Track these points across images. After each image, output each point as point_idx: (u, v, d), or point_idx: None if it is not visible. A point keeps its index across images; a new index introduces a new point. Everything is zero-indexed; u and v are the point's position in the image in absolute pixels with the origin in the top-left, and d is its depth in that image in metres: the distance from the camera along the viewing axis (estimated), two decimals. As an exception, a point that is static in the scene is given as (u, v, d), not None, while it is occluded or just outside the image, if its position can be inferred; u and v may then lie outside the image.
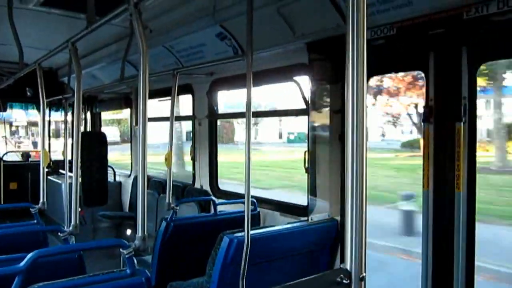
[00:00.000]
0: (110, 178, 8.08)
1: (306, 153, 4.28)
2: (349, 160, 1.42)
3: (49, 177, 8.05)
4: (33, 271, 2.08)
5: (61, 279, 2.20)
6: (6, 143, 10.25)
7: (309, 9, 3.65)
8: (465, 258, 3.03)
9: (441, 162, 3.18)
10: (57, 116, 9.88)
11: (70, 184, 3.32)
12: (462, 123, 3.00)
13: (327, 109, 4.02)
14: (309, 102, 4.23)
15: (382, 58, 3.44)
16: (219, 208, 4.58)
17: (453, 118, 3.05)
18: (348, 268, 1.42)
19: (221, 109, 6.14)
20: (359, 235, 1.41)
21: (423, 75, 3.29)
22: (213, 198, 4.91)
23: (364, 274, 1.43)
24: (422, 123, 3.30)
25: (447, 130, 3.10)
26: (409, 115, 19.38)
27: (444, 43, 3.13)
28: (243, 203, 3.02)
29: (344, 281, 1.41)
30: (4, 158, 9.48)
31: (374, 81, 15.78)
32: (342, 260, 1.47)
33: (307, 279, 1.49)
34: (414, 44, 3.34)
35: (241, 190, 4.32)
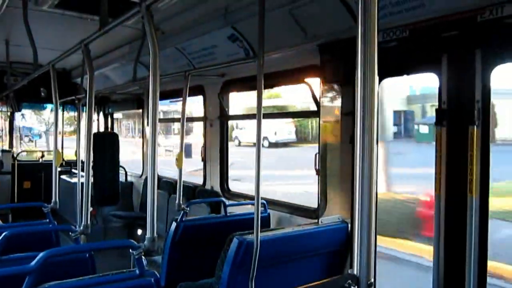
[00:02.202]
0: (122, 178, 8.14)
1: (317, 155, 4.26)
2: (359, 162, 1.41)
3: (62, 177, 8.13)
4: (44, 270, 2.10)
5: (72, 278, 2.22)
6: (21, 143, 10.31)
7: (321, 10, 3.63)
8: (477, 264, 2.98)
9: (454, 165, 3.14)
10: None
11: (83, 183, 3.35)
12: (475, 127, 2.96)
13: (338, 111, 4.00)
14: (320, 103, 4.21)
15: (394, 60, 3.41)
16: (229, 209, 4.59)
17: (466, 121, 3.00)
18: (356, 273, 1.39)
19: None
20: (367, 239, 1.39)
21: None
22: (223, 199, 4.91)
23: (372, 280, 1.40)
24: (435, 126, 3.26)
25: (460, 134, 3.06)
26: None
27: (458, 46, 3.09)
28: (253, 204, 3.02)
29: (352, 287, 1.39)
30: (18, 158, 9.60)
31: None
32: (352, 265, 1.45)
33: (314, 284, 1.47)
34: (427, 46, 3.31)
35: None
